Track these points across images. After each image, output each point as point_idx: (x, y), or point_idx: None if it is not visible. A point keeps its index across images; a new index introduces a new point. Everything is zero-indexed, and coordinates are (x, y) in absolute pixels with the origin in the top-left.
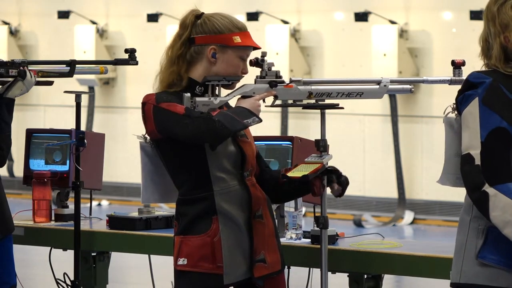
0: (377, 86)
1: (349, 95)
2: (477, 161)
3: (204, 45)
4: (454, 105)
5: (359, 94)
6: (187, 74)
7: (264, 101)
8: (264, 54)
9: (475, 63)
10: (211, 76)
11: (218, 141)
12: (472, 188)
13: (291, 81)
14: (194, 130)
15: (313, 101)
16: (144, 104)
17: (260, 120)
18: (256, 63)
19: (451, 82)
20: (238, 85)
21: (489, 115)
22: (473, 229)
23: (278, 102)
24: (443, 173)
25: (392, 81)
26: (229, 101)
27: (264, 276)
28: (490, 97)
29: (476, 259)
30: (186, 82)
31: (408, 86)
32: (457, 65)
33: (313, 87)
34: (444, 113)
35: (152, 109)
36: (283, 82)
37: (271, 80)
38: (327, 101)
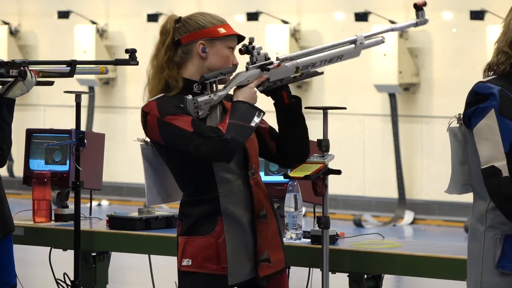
0: (354, 46)
1: (330, 60)
2: (505, 173)
3: (191, 43)
4: (461, 116)
5: (339, 57)
6: (181, 75)
7: (259, 86)
8: (251, 40)
9: (475, 63)
10: (207, 74)
11: (232, 158)
12: (504, 200)
13: (280, 60)
14: (208, 151)
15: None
16: (146, 113)
17: (264, 113)
18: (247, 50)
19: (416, 24)
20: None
21: (508, 125)
22: (489, 238)
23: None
24: (451, 182)
25: (366, 37)
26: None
27: (269, 276)
28: (505, 107)
29: (496, 268)
30: (182, 83)
31: (379, 38)
32: (419, 7)
33: (298, 61)
34: (448, 123)
35: (157, 122)
36: (272, 63)
37: (261, 64)
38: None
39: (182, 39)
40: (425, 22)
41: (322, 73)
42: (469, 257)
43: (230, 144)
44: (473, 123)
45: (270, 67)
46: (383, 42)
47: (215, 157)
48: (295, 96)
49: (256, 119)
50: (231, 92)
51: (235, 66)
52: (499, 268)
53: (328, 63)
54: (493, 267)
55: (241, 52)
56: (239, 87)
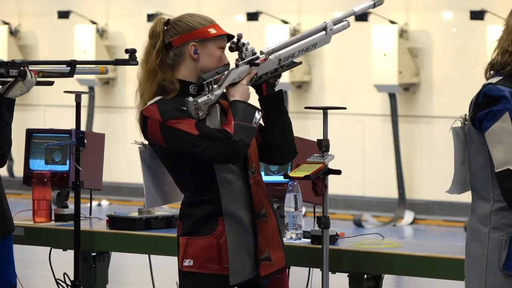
0: (324, 33)
1: (306, 49)
2: None
3: (183, 45)
4: (467, 117)
5: (314, 46)
6: (175, 77)
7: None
8: (240, 37)
9: (475, 63)
10: (205, 74)
11: (240, 159)
12: None
13: (265, 54)
14: (217, 154)
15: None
16: (146, 117)
17: (262, 112)
18: (237, 47)
19: (374, 5)
20: None
21: None
22: (494, 240)
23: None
24: (453, 182)
25: (334, 23)
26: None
27: (270, 274)
28: None
29: (501, 270)
30: (179, 85)
31: (345, 22)
32: None
33: (280, 52)
34: (452, 123)
35: (159, 127)
36: (258, 57)
37: (249, 60)
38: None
39: (173, 41)
40: (381, 2)
41: (300, 63)
42: (470, 258)
43: (239, 146)
44: (485, 126)
45: (257, 61)
46: (348, 26)
47: (224, 159)
48: (279, 91)
49: (257, 119)
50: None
51: (227, 65)
52: (505, 270)
53: (305, 52)
54: (498, 268)
55: (231, 49)
56: (232, 84)
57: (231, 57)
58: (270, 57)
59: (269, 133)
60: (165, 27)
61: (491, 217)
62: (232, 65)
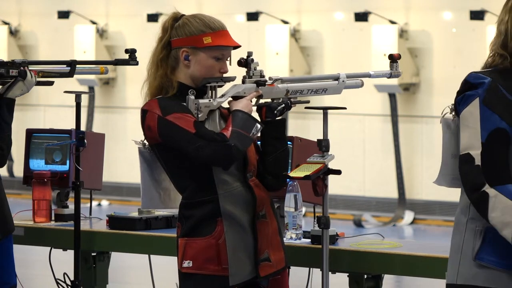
0: (337, 82)
1: (316, 91)
2: (477, 161)
3: (178, 48)
4: (453, 106)
5: (324, 90)
6: (176, 78)
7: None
8: (250, 54)
9: (475, 63)
10: (211, 78)
11: (231, 165)
12: (472, 188)
13: (273, 80)
14: (210, 155)
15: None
16: (145, 111)
17: (262, 125)
18: (246, 63)
19: (391, 75)
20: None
21: (490, 116)
22: (470, 230)
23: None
24: (440, 174)
25: (348, 77)
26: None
27: (270, 275)
28: (490, 97)
29: (474, 260)
30: (177, 86)
31: (359, 81)
32: (394, 59)
33: (289, 85)
34: (441, 114)
35: (157, 120)
36: (266, 81)
37: (257, 80)
38: (302, 98)
39: (173, 42)
40: (398, 74)
41: (308, 101)
42: (451, 249)
43: (233, 151)
44: (459, 110)
45: (265, 84)
46: (361, 85)
47: (216, 161)
48: (280, 119)
49: (255, 131)
50: (225, 104)
51: (234, 76)
52: (477, 260)
53: (314, 93)
54: (472, 258)
55: (240, 64)
56: (235, 97)
57: (234, 71)
58: (278, 85)
59: (264, 158)
60: (174, 23)
61: (470, 208)
62: (238, 81)
